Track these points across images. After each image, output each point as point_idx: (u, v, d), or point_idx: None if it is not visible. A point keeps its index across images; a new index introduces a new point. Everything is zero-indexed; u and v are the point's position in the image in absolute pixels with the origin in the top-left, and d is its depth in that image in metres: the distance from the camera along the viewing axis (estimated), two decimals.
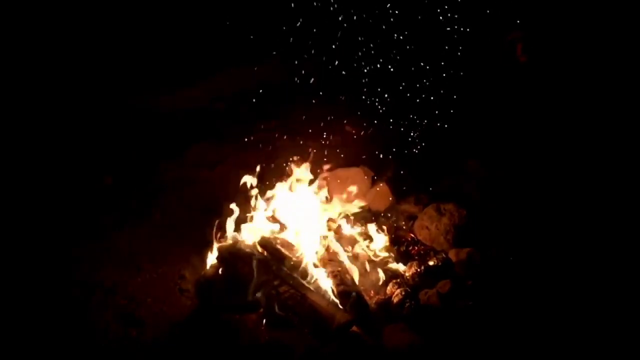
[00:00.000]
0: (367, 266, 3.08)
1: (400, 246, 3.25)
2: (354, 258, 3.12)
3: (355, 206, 3.42)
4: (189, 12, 5.90)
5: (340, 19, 4.40)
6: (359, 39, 4.37)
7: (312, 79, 4.10)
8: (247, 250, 2.86)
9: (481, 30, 3.89)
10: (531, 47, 3.31)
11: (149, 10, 5.73)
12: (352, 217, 3.44)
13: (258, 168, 3.23)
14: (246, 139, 4.30)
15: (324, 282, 2.76)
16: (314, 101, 3.96)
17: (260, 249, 2.85)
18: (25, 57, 5.11)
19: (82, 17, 5.49)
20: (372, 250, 3.18)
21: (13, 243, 3.20)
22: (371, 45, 4.34)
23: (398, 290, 2.80)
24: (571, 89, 3.52)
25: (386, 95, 4.31)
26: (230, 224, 3.06)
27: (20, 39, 5.10)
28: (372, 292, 2.93)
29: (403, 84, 4.30)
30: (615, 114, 3.53)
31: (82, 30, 5.47)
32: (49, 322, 2.67)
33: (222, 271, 2.82)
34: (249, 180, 3.21)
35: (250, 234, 3.01)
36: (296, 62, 4.31)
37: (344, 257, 2.99)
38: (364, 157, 3.94)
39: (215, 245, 2.96)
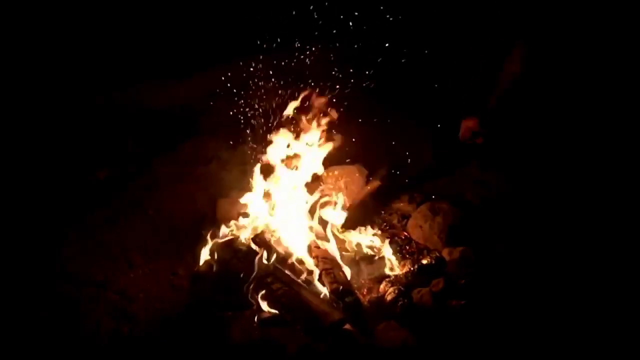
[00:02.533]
0: (361, 264, 3.08)
1: (393, 244, 3.25)
2: (348, 256, 3.12)
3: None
4: (185, 5, 5.87)
5: (339, 15, 4.39)
6: (356, 36, 4.36)
7: (309, 75, 4.09)
8: (241, 246, 2.85)
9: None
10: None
11: (143, 4, 5.70)
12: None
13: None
14: (241, 135, 4.28)
15: (318, 279, 2.76)
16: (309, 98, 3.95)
17: (254, 246, 2.84)
18: (17, 51, 5.07)
19: (76, 12, 5.45)
20: (365, 248, 3.18)
21: (4, 237, 3.17)
22: (371, 43, 4.33)
23: (391, 289, 2.80)
24: (564, 94, 3.53)
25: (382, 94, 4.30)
26: (224, 220, 3.05)
27: (12, 34, 5.06)
28: (365, 290, 2.93)
29: (401, 82, 4.29)
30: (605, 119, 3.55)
31: (75, 25, 5.43)
32: (39, 317, 2.65)
33: (215, 268, 2.82)
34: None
35: (244, 231, 3.00)
36: (293, 58, 4.30)
37: (337, 254, 2.99)
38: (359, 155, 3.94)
39: (209, 242, 2.95)
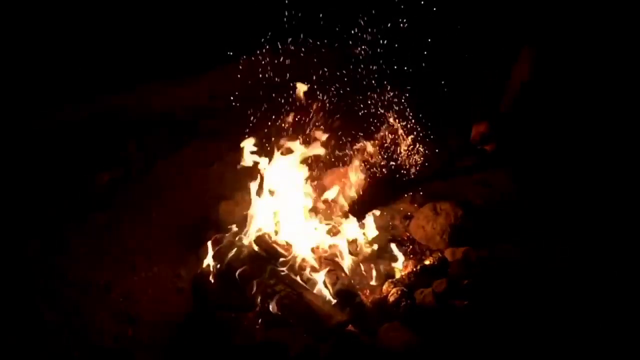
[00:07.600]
0: (363, 265, 3.08)
1: (396, 245, 3.25)
2: (350, 256, 3.12)
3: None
4: (186, 6, 5.88)
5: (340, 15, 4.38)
6: (359, 35, 4.36)
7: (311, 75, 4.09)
8: (243, 248, 2.85)
9: None
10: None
11: (145, 6, 5.71)
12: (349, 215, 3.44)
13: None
14: (244, 137, 4.27)
15: (320, 280, 2.76)
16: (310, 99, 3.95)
17: (256, 247, 2.84)
18: (19, 51, 5.09)
19: (79, 13, 5.47)
20: (368, 249, 3.18)
21: (7, 241, 3.19)
22: (374, 43, 4.33)
23: (394, 290, 2.80)
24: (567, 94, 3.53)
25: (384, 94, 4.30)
26: (226, 222, 3.05)
27: (16, 34, 5.07)
28: (367, 291, 2.93)
29: (403, 83, 4.28)
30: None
31: (78, 27, 5.45)
32: (44, 320, 2.67)
33: (218, 270, 2.82)
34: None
35: (247, 232, 3.00)
36: (295, 58, 4.29)
37: (340, 255, 2.99)
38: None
39: (211, 244, 2.96)
